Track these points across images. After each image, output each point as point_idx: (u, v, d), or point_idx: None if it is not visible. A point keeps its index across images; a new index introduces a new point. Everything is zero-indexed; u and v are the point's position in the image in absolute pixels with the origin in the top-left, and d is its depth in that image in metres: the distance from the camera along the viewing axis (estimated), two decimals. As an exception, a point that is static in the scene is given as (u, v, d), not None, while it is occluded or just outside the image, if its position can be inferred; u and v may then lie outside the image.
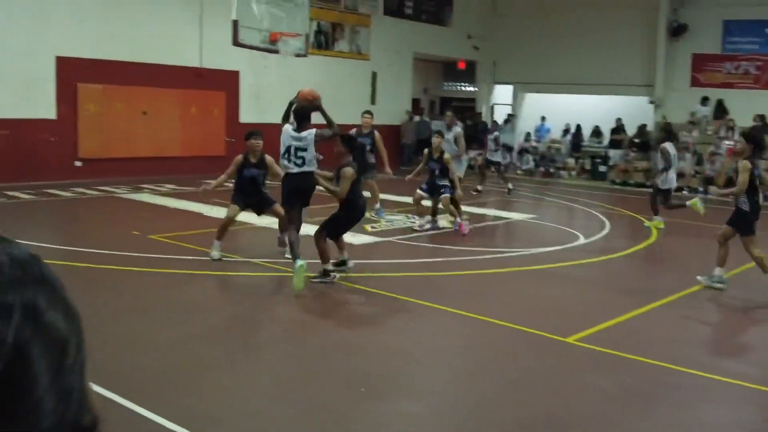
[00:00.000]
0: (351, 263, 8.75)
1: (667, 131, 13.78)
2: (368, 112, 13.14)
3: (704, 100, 22.07)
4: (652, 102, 23.24)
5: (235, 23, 12.94)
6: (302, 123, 8.17)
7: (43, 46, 15.67)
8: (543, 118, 25.48)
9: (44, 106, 15.87)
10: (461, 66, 27.37)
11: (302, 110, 8.28)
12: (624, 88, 23.66)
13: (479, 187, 17.34)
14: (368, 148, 12.43)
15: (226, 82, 18.95)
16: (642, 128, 22.39)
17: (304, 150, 8.08)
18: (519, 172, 23.58)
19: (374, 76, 23.04)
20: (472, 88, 28.22)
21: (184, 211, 12.90)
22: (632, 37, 23.69)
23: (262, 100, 19.44)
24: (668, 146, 13.02)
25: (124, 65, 16.94)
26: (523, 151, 23.91)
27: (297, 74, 20.07)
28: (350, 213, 8.32)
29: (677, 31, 22.68)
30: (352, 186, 8.18)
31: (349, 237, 10.47)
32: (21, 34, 15.36)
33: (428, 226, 11.92)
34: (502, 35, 26.45)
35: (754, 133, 8.80)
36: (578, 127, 24.08)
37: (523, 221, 13.87)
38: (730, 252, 8.65)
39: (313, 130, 8.15)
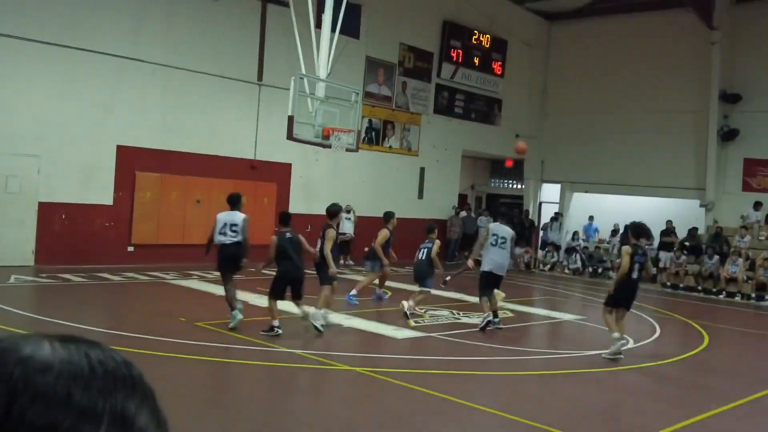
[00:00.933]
0: (279, 331, 9.88)
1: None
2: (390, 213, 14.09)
3: (757, 205, 21.76)
4: (703, 205, 23.00)
5: (291, 119, 13.37)
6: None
7: (106, 135, 16.34)
8: (591, 218, 25.34)
9: (102, 192, 16.40)
10: (509, 164, 27.58)
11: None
12: (674, 190, 23.52)
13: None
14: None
15: (279, 173, 19.42)
16: (693, 231, 22.06)
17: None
18: (567, 271, 23.31)
19: (422, 171, 23.36)
20: (519, 186, 28.35)
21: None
22: (682, 140, 23.67)
23: (310, 191, 19.82)
24: None
25: (182, 155, 17.54)
26: (570, 250, 23.71)
27: (347, 168, 20.49)
28: (278, 276, 10.02)
29: (728, 135, 22.65)
30: (282, 250, 9.84)
31: (391, 331, 10.45)
32: (86, 124, 16.06)
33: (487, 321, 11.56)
34: (550, 134, 26.73)
35: None
36: (626, 228, 23.73)
37: (571, 322, 13.61)
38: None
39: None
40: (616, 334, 10.15)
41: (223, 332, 9.87)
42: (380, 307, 13.27)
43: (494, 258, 11.68)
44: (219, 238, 10.01)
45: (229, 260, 10.01)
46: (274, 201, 19.39)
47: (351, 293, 13.43)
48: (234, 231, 9.96)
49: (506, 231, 11.76)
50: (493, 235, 11.79)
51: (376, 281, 14.15)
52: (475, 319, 12.31)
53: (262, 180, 19.02)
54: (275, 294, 10.02)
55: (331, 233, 10.57)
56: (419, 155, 23.26)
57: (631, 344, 11.40)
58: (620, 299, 10.45)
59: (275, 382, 8.14)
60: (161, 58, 16.97)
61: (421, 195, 23.21)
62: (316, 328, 10.27)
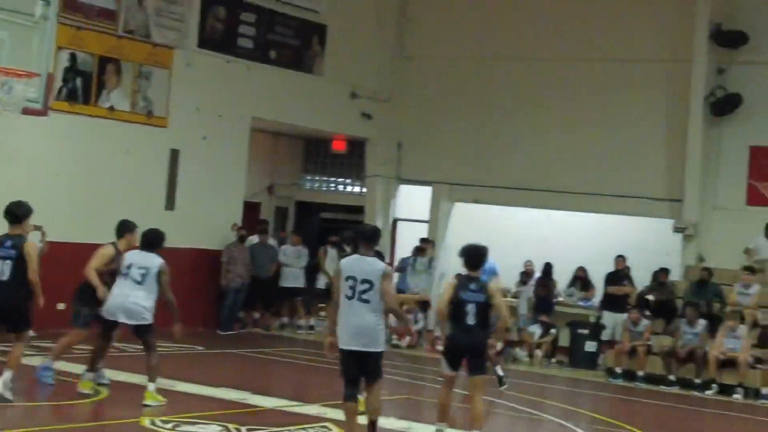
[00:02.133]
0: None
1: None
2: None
3: (770, 230, 22.84)
4: (679, 229, 23.97)
5: None
6: None
7: None
8: (484, 248, 25.73)
9: None
10: (338, 147, 27.71)
11: None
12: (631, 203, 24.40)
13: None
14: None
15: None
16: (661, 275, 22.82)
17: None
18: (440, 347, 23.48)
19: (174, 156, 22.94)
20: (356, 189, 28.51)
21: None
22: (647, 113, 24.63)
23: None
24: None
25: None
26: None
27: (25, 146, 19.77)
28: None
29: (724, 105, 23.69)
30: None
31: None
32: None
33: None
34: (414, 96, 27.15)
35: None
36: (548, 269, 24.43)
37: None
38: None
39: None
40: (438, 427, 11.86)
41: None
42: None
43: (356, 321, 11.81)
44: None
45: None
46: None
47: (44, 365, 14.30)
48: None
49: (374, 268, 11.80)
50: (349, 278, 11.90)
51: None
52: None
53: None
54: None
55: None
56: (169, 126, 22.86)
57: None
58: (452, 358, 12.53)
59: None
60: None
61: (171, 203, 22.78)
62: None
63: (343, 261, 12.39)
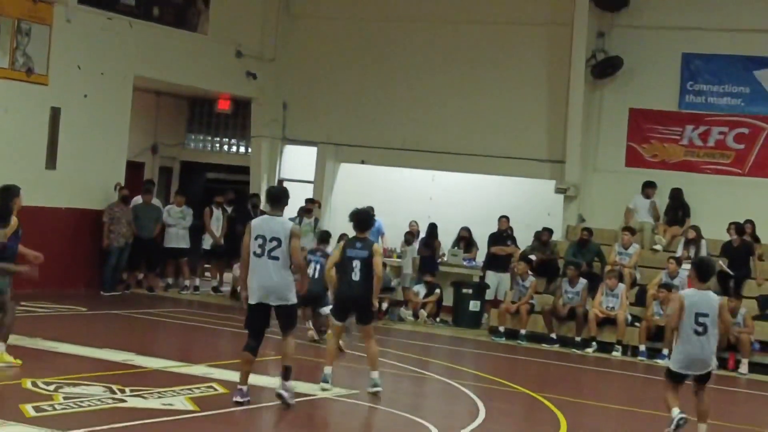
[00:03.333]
0: None
1: None
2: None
3: (648, 189, 23.20)
4: (561, 190, 24.18)
5: None
6: None
7: None
8: (370, 211, 25.70)
9: None
10: (223, 107, 27.49)
11: None
12: (514, 164, 24.59)
13: None
14: None
15: None
16: (543, 236, 23.01)
17: None
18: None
19: (55, 115, 22.53)
20: (242, 149, 28.36)
21: None
22: (528, 76, 24.80)
23: None
24: None
25: None
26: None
27: None
28: None
29: (604, 68, 23.92)
30: None
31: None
32: None
33: None
34: (299, 54, 27.01)
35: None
36: (432, 229, 24.44)
37: (332, 401, 13.77)
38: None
39: None
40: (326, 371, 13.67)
41: None
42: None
43: (266, 278, 12.46)
44: None
45: None
46: None
47: None
48: None
49: (282, 228, 12.58)
50: (258, 237, 12.48)
51: None
52: (156, 401, 12.34)
53: None
54: None
55: None
56: (49, 84, 22.42)
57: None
58: (340, 311, 14.14)
59: None
60: None
61: (53, 163, 22.38)
62: None
63: (253, 221, 12.90)
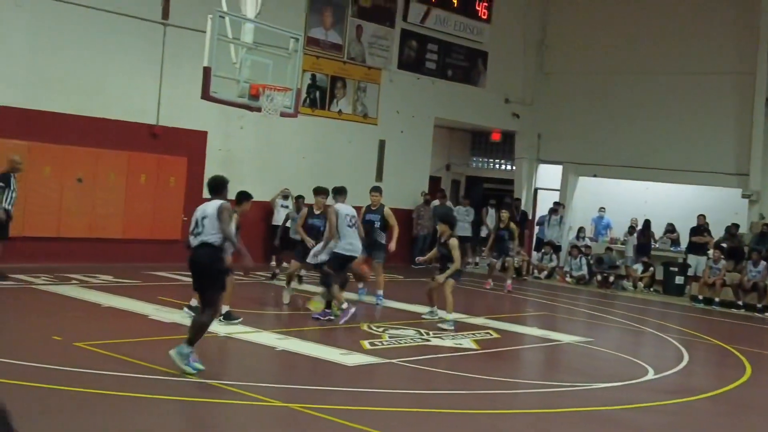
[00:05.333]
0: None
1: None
2: (377, 188, 16.04)
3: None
4: (746, 195, 23.46)
5: (207, 71, 12.88)
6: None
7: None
8: (601, 210, 25.66)
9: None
10: (495, 138, 27.80)
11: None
12: (709, 176, 24.05)
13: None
14: (377, 225, 15.48)
15: (190, 144, 19.21)
16: (732, 229, 22.47)
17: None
18: (569, 279, 23.54)
19: (382, 145, 23.39)
20: (509, 167, 28.63)
21: (123, 311, 12.80)
22: (721, 111, 24.21)
23: (232, 168, 19.38)
24: None
25: (57, 117, 17.15)
26: (575, 252, 23.85)
27: (281, 138, 20.36)
28: None
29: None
30: None
31: (338, 356, 10.49)
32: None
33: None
34: (550, 100, 27.10)
35: None
36: (647, 224, 24.20)
37: (574, 346, 13.78)
38: None
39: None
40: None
41: (111, 355, 9.74)
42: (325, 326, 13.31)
43: (353, 242, 13.55)
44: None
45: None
46: (183, 181, 19.16)
47: (378, 293, 15.75)
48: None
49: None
50: (347, 215, 13.53)
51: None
52: (450, 341, 12.54)
53: (167, 153, 18.79)
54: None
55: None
56: (378, 124, 23.30)
57: (650, 375, 11.59)
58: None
59: (188, 425, 8.08)
60: (31, -15, 16.68)
61: (380, 176, 23.24)
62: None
63: (341, 206, 13.67)
